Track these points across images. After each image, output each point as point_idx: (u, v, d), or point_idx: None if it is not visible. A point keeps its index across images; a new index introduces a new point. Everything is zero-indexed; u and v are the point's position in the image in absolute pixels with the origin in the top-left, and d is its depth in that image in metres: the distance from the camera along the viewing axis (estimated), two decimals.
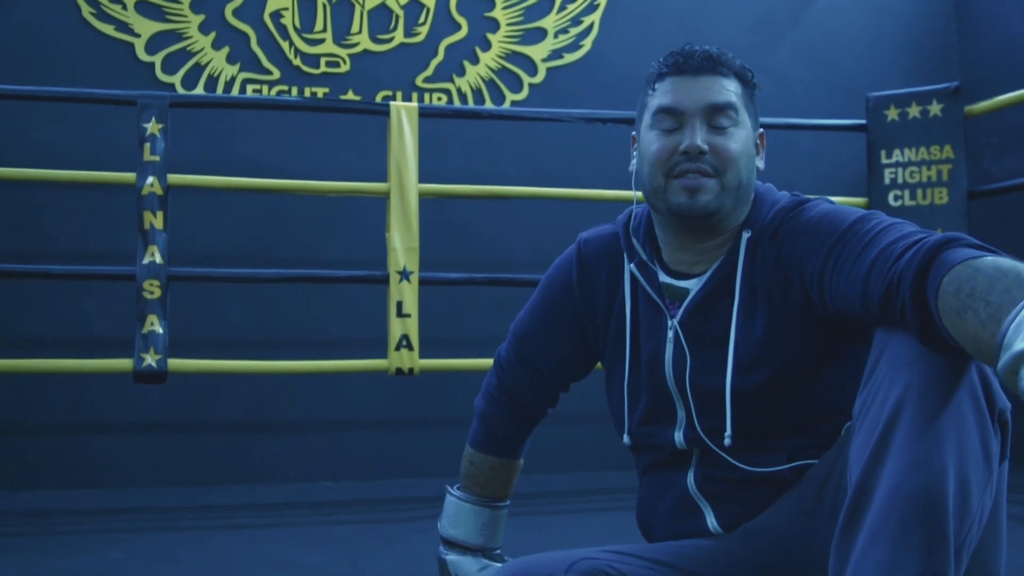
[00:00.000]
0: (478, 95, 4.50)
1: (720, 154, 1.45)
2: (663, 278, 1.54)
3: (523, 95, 4.57)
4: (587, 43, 4.69)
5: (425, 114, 3.69)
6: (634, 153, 1.58)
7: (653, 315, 1.54)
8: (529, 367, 1.71)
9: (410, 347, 3.57)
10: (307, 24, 4.31)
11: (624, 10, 4.76)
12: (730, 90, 1.48)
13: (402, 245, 3.60)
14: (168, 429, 4.04)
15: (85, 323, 3.97)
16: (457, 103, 4.44)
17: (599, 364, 1.71)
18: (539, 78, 4.61)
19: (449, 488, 1.80)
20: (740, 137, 1.47)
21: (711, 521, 1.49)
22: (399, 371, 3.57)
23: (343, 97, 4.30)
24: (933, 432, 1.14)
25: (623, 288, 1.59)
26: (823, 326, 1.41)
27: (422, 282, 3.62)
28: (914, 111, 4.21)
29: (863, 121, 4.34)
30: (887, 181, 4.24)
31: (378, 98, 4.34)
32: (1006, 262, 1.09)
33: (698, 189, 1.44)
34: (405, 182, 3.61)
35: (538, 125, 4.30)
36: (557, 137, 4.44)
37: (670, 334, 1.51)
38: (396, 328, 3.56)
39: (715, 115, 1.46)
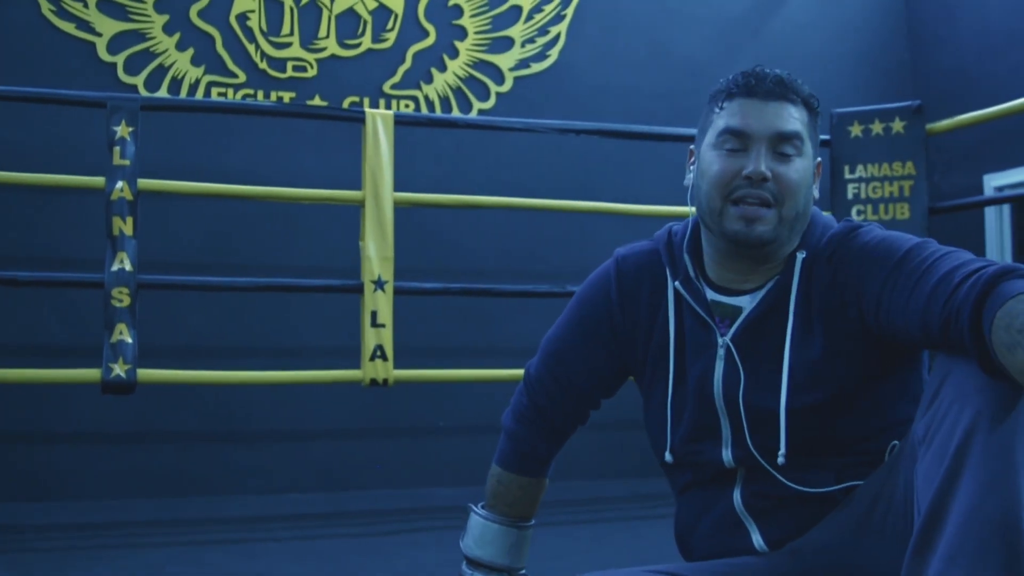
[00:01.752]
0: (445, 103, 4.47)
1: (782, 183, 1.44)
2: (711, 295, 1.53)
3: (490, 104, 4.55)
4: (554, 53, 4.69)
5: (401, 122, 3.65)
6: (691, 168, 1.57)
7: (701, 332, 1.52)
8: (563, 384, 1.68)
9: (384, 357, 3.52)
10: (274, 27, 4.23)
11: (590, 21, 4.77)
12: (797, 118, 1.47)
13: (377, 254, 3.54)
14: (134, 440, 3.92)
15: (49, 331, 3.83)
16: (424, 110, 4.40)
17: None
18: (506, 87, 4.59)
19: (473, 507, 1.76)
20: (802, 167, 1.46)
21: (757, 539, 1.48)
22: (373, 382, 3.52)
23: (310, 103, 4.23)
24: (1005, 457, 1.15)
25: (666, 305, 1.58)
26: (876, 348, 1.41)
27: (397, 292, 3.57)
28: (877, 128, 4.29)
29: (827, 136, 4.41)
30: (850, 196, 4.32)
31: (345, 104, 4.28)
32: None
33: (756, 219, 1.43)
34: (380, 190, 3.56)
35: (506, 134, 4.29)
36: (524, 147, 4.44)
37: (721, 351, 1.50)
38: (370, 338, 3.51)
39: (781, 143, 1.45)
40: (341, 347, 3.82)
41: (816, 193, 1.54)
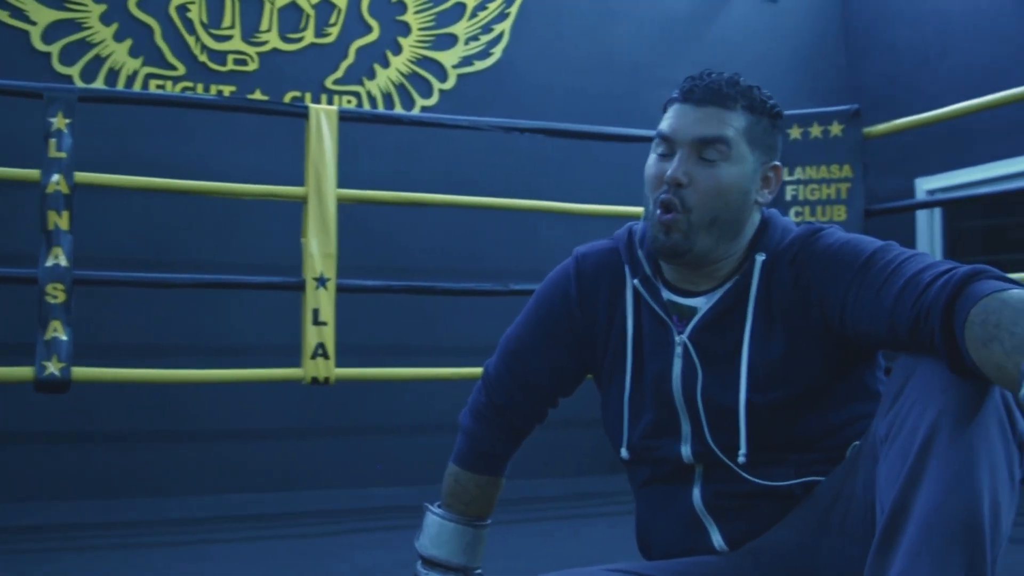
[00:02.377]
0: (388, 99, 4.44)
1: (699, 188, 1.45)
2: (667, 295, 1.54)
3: (433, 101, 4.53)
4: (497, 51, 4.68)
5: (345, 118, 3.61)
6: None
7: (658, 330, 1.54)
8: (522, 383, 1.68)
9: (326, 356, 3.48)
10: (215, 19, 4.16)
11: (534, 20, 4.78)
12: (728, 123, 1.47)
13: (319, 251, 3.50)
14: (72, 440, 3.82)
15: None
16: (367, 106, 4.36)
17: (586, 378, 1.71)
18: (449, 84, 4.57)
19: (429, 506, 1.75)
20: (728, 173, 1.46)
21: (717, 539, 1.50)
22: (315, 380, 3.48)
23: (250, 97, 4.16)
24: (968, 456, 1.17)
25: (624, 303, 1.59)
26: (837, 348, 1.43)
27: (339, 289, 3.54)
28: (816, 131, 4.36)
29: None
30: (788, 198, 4.38)
31: (286, 99, 4.22)
32: None
33: (671, 227, 1.45)
34: (323, 187, 3.52)
35: (448, 132, 4.27)
36: (467, 144, 4.42)
37: (678, 350, 1.51)
38: (312, 336, 3.46)
39: (704, 148, 1.46)
40: (282, 345, 3.77)
41: (763, 197, 1.54)
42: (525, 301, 4.52)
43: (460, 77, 4.60)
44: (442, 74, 4.57)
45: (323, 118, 3.53)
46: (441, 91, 4.55)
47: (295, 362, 3.51)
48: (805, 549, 1.43)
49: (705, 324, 1.50)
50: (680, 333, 1.51)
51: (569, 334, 1.64)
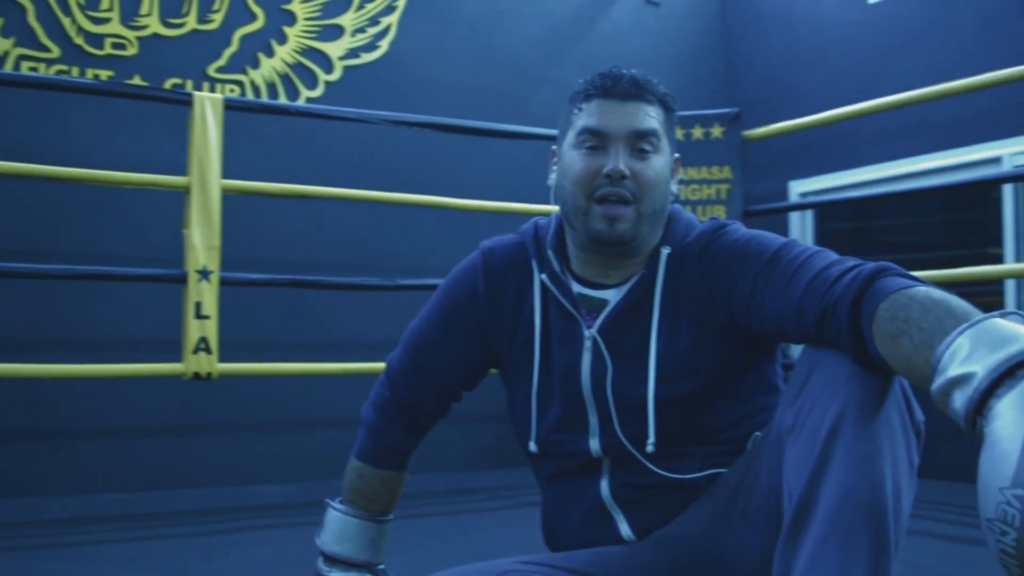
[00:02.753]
0: (272, 89, 4.36)
1: (640, 180, 1.47)
2: (577, 288, 1.55)
3: (319, 92, 4.46)
4: (384, 44, 4.65)
5: (231, 107, 3.52)
6: (553, 168, 1.59)
7: (567, 325, 1.55)
8: (426, 377, 1.67)
9: (208, 350, 3.39)
10: (92, 1, 4.00)
11: (421, 14, 4.76)
12: (653, 117, 1.51)
13: (202, 243, 3.41)
14: None
15: None
16: (251, 96, 4.27)
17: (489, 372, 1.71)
18: (335, 76, 4.52)
19: (331, 502, 1.72)
20: (659, 164, 1.50)
21: (624, 529, 1.52)
22: (197, 375, 3.38)
23: (128, 82, 4.01)
24: (872, 444, 1.22)
25: (532, 298, 1.59)
26: (741, 341, 1.47)
27: (222, 282, 3.45)
28: (698, 133, 4.47)
29: None
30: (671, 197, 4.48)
31: (167, 85, 4.10)
32: (937, 293, 1.18)
33: (617, 218, 1.46)
34: (207, 177, 3.43)
35: (332, 124, 4.23)
36: (352, 137, 4.38)
37: (587, 343, 1.52)
38: (194, 330, 3.37)
39: (638, 141, 1.49)
40: (163, 340, 3.66)
41: (675, 189, 1.58)
42: (412, 297, 4.54)
43: (346, 69, 4.55)
44: (328, 65, 4.51)
45: (208, 106, 3.44)
46: (327, 83, 4.49)
47: (176, 357, 3.41)
48: (709, 537, 1.46)
49: (613, 318, 1.51)
50: (589, 327, 1.53)
51: (475, 328, 1.64)
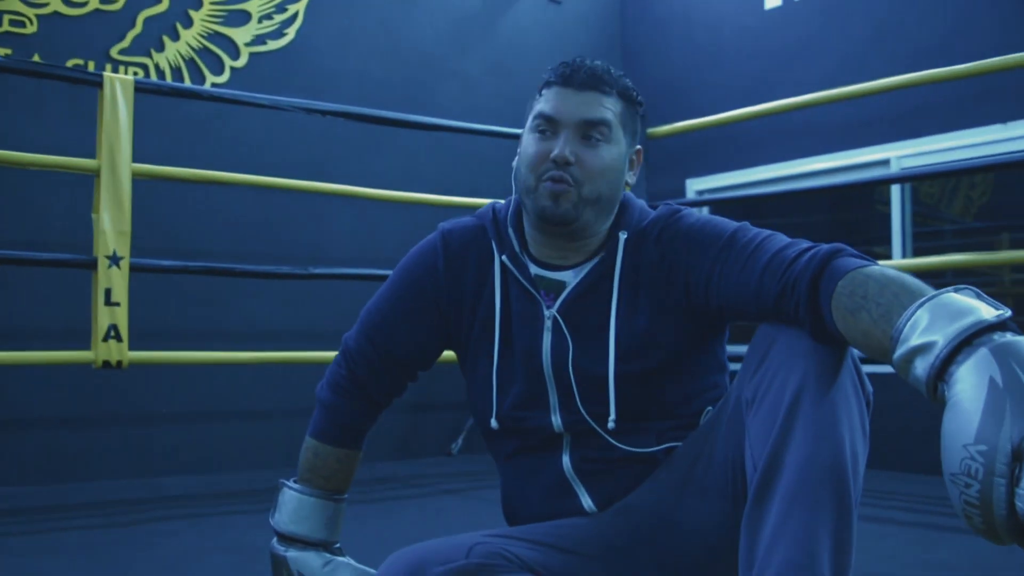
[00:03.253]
0: (177, 73, 4.27)
1: (584, 167, 1.53)
2: (535, 270, 1.60)
3: (224, 78, 4.39)
4: (291, 32, 4.60)
5: (141, 89, 3.44)
6: (519, 152, 1.64)
7: (526, 305, 1.59)
8: (384, 355, 1.69)
9: (119, 338, 3.31)
10: None
11: (329, 3, 4.74)
12: (607, 108, 1.57)
13: (112, 228, 3.32)
14: None
15: None
16: (155, 79, 4.17)
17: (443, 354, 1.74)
18: (241, 62, 4.45)
19: (286, 482, 1.73)
20: (608, 153, 1.56)
21: (587, 501, 1.57)
22: (106, 364, 3.30)
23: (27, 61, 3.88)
24: (831, 413, 1.30)
25: (492, 279, 1.63)
26: (697, 320, 1.54)
27: (133, 269, 3.37)
28: None
29: None
30: None
31: (68, 65, 3.97)
32: (891, 272, 1.28)
33: (560, 195, 1.52)
34: (117, 160, 3.34)
35: (238, 111, 4.18)
36: (253, 124, 4.33)
37: (548, 323, 1.57)
38: (104, 317, 3.28)
39: (588, 129, 1.55)
40: (69, 328, 3.55)
41: (632, 179, 1.65)
42: (325, 286, 4.50)
43: (252, 56, 4.49)
44: (234, 51, 4.44)
45: (118, 88, 3.35)
46: (232, 69, 4.42)
47: (83, 345, 3.32)
48: (667, 505, 1.53)
49: (573, 299, 1.57)
50: (549, 307, 1.58)
51: (434, 308, 1.67)
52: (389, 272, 4.43)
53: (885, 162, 4.52)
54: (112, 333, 3.30)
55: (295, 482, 1.73)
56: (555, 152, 1.52)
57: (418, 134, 4.68)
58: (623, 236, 1.57)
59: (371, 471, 4.12)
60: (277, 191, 4.13)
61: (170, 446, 4.08)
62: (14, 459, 3.75)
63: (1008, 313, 1.12)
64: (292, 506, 1.71)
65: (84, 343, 3.32)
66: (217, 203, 4.24)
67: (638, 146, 1.65)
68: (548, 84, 1.60)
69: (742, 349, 1.52)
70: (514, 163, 1.65)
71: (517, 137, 4.98)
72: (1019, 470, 0.98)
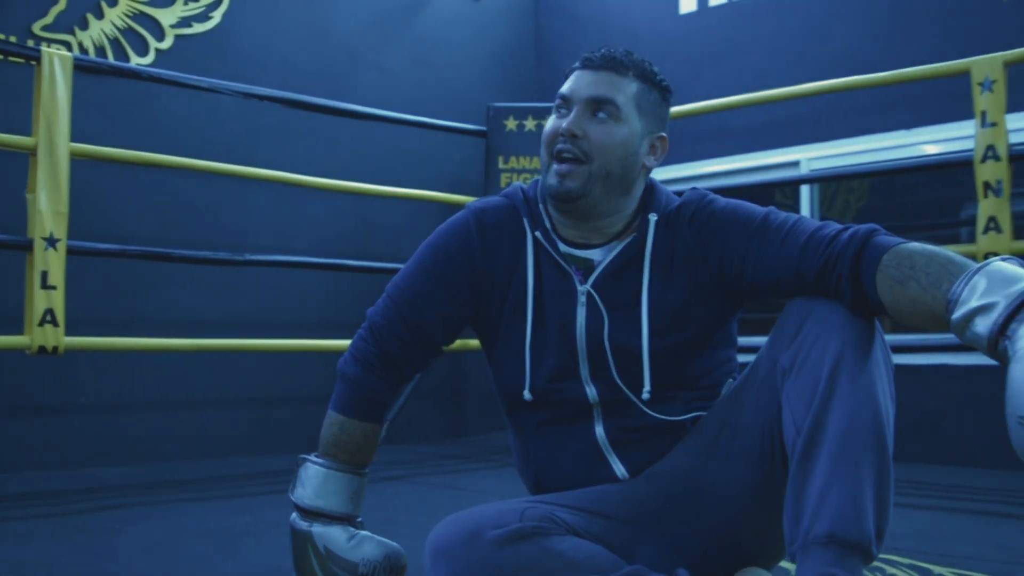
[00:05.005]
0: (101, 52, 4.15)
1: (592, 141, 1.63)
2: (564, 248, 1.68)
3: (149, 59, 4.30)
4: (217, 15, 4.53)
5: (81, 67, 3.36)
6: None
7: (560, 281, 1.66)
8: (415, 331, 1.72)
9: (55, 323, 3.22)
10: None
11: None
12: (619, 88, 1.66)
13: (50, 208, 3.23)
14: None
15: None
16: (93, 57, 4.06)
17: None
18: (167, 44, 4.37)
19: (309, 457, 1.72)
20: (619, 132, 1.64)
21: (619, 469, 1.65)
22: (42, 349, 3.20)
23: None
24: (869, 379, 1.42)
25: (525, 255, 1.70)
26: (729, 296, 1.65)
27: (70, 252, 3.28)
28: (530, 124, 4.67)
29: (483, 128, 4.72)
30: (503, 184, 4.66)
31: None
32: (930, 247, 1.41)
33: (567, 175, 1.62)
34: (55, 139, 3.25)
35: (163, 93, 4.11)
36: (176, 107, 4.27)
37: (582, 298, 1.65)
38: (40, 301, 3.19)
39: (596, 107, 1.64)
40: (1, 312, 3.43)
41: (650, 163, 1.73)
42: (263, 272, 4.44)
43: (178, 38, 4.40)
44: (159, 33, 4.35)
45: (57, 64, 3.26)
46: (158, 50, 4.33)
47: (16, 330, 3.22)
48: (695, 470, 1.62)
49: (605, 275, 1.65)
50: (582, 283, 1.65)
51: (467, 286, 1.71)
52: (315, 259, 4.41)
53: (795, 163, 4.76)
54: (48, 318, 3.21)
55: (317, 456, 1.74)
56: (563, 126, 1.61)
57: (341, 123, 4.67)
58: (653, 218, 1.67)
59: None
60: (201, 176, 4.07)
61: (95, 436, 3.97)
62: None
63: None
64: (317, 480, 1.71)
65: (18, 328, 3.22)
66: (144, 186, 4.15)
67: (663, 133, 1.74)
68: (571, 70, 1.70)
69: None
70: None
71: (458, 131, 5.03)
72: None
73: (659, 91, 1.72)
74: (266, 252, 4.35)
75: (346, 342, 4.08)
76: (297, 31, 4.83)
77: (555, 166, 1.61)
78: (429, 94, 5.29)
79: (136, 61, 4.24)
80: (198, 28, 4.46)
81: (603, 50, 1.69)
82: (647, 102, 1.69)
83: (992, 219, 3.24)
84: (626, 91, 1.66)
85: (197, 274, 4.20)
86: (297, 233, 4.68)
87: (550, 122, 1.65)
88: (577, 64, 1.70)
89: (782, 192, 5.00)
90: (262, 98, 3.86)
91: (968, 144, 3.99)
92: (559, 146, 1.61)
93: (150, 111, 4.23)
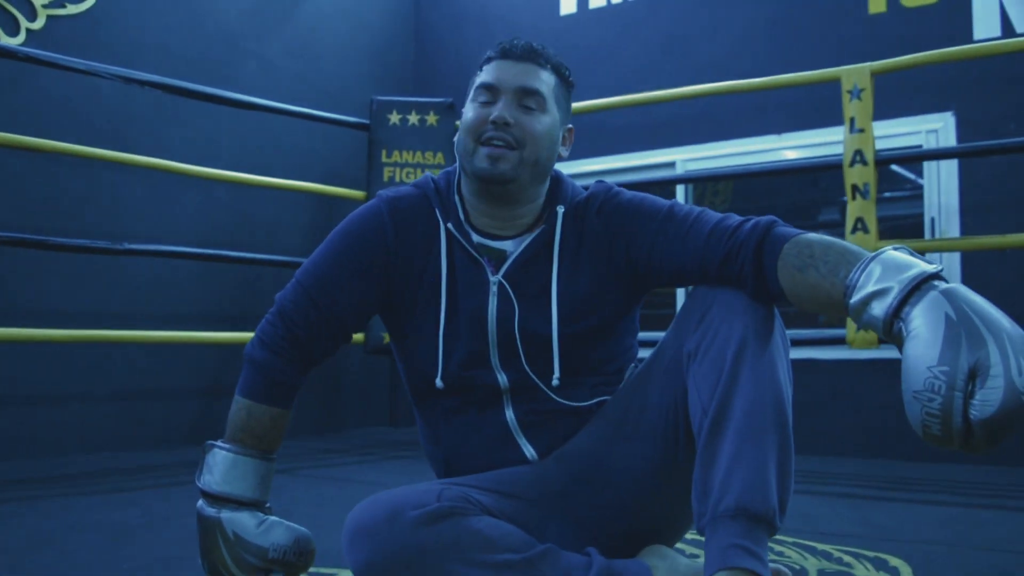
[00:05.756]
0: None
1: (524, 129, 1.68)
2: (477, 238, 1.71)
3: (20, 40, 4.13)
4: None
5: None
6: (459, 126, 1.75)
7: (472, 271, 1.70)
8: (326, 316, 1.72)
9: None
10: None
11: None
12: (543, 80, 1.72)
13: None
14: None
15: None
16: None
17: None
18: (39, 24, 4.20)
19: (215, 443, 1.70)
20: (544, 121, 1.70)
21: (529, 451, 1.70)
22: None
23: None
24: (771, 361, 1.51)
25: (438, 245, 1.72)
26: (635, 285, 1.71)
27: None
28: (413, 119, 4.68)
29: (366, 121, 4.70)
30: (386, 178, 4.66)
31: None
32: (827, 238, 1.51)
33: (499, 158, 1.66)
34: None
35: (33, 74, 3.96)
36: (50, 88, 4.12)
37: (494, 288, 1.69)
38: None
39: (525, 97, 1.69)
40: None
41: (564, 153, 1.79)
42: (139, 263, 4.35)
43: (50, 18, 4.24)
44: (31, 12, 4.18)
45: None
46: (28, 30, 4.16)
47: None
48: (602, 450, 1.68)
49: (516, 266, 1.70)
50: (494, 274, 1.70)
51: (381, 272, 1.73)
52: (193, 249, 4.34)
53: (671, 164, 4.91)
54: None
55: (224, 442, 1.72)
56: (494, 114, 1.65)
57: (221, 112, 4.59)
58: (561, 210, 1.72)
59: (157, 457, 4.01)
60: (75, 161, 3.94)
61: None
62: None
63: (941, 267, 1.37)
64: (224, 466, 1.69)
65: None
66: (14, 170, 3.98)
67: (570, 124, 1.80)
68: (488, 59, 1.74)
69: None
70: (455, 137, 1.76)
71: (340, 124, 5.01)
72: (972, 387, 1.20)
73: (567, 85, 1.78)
74: (142, 242, 4.23)
75: (223, 334, 4.06)
76: (174, 16, 4.72)
77: (485, 149, 1.64)
78: (310, 86, 5.24)
79: (5, 41, 4.06)
80: (72, 9, 4.31)
81: (521, 41, 1.73)
82: (560, 95, 1.75)
83: (860, 220, 3.43)
84: (548, 83, 1.72)
85: (71, 263, 4.06)
86: (174, 223, 4.57)
87: (473, 110, 1.68)
88: (494, 53, 1.73)
89: (662, 191, 5.15)
90: (142, 83, 3.77)
91: (836, 149, 4.20)
92: (489, 133, 1.64)
93: (21, 93, 4.06)
